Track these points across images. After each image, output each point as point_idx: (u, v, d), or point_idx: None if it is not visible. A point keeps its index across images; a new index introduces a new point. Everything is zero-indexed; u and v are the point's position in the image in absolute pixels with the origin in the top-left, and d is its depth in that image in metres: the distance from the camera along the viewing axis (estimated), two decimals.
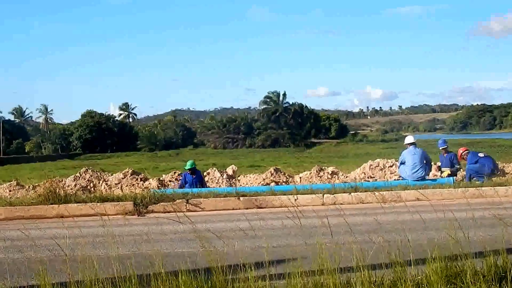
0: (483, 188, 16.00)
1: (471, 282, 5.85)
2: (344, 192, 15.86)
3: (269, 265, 6.27)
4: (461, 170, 20.39)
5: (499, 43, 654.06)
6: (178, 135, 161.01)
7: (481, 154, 19.55)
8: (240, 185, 21.42)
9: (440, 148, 20.94)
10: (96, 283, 6.14)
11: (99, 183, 22.87)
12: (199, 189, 17.41)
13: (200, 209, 15.17)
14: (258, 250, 7.59)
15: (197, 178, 19.54)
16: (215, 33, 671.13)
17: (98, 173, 24.21)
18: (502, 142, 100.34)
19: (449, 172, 19.69)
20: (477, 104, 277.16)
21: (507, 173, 21.47)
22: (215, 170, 23.62)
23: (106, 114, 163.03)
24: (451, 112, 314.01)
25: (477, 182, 17.67)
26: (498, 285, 5.94)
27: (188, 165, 19.79)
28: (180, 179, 20.80)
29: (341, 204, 14.99)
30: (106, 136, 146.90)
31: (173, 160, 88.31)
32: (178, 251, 9.29)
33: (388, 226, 9.61)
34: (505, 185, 16.30)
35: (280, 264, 7.00)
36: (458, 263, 6.29)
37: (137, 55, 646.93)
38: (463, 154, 20.09)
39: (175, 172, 23.82)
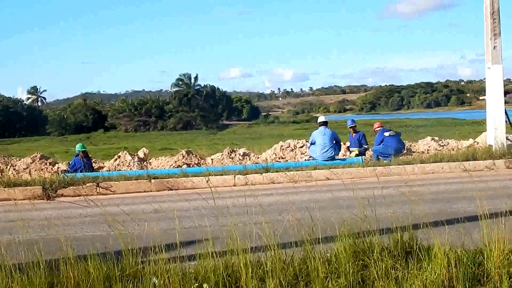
0: (391, 166, 16.36)
1: (378, 258, 5.96)
2: (255, 173, 15.96)
3: (180, 247, 6.23)
4: (369, 150, 20.80)
5: (410, 25, 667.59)
6: (89, 118, 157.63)
7: (387, 133, 19.91)
8: (152, 168, 21.30)
9: (348, 126, 21.37)
10: (3, 269, 5.98)
11: (6, 168, 22.28)
12: (110, 172, 17.18)
13: (111, 192, 15.02)
14: (170, 231, 7.53)
15: (88, 162, 19.36)
16: (127, 13, 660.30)
17: (5, 158, 23.59)
18: (410, 122, 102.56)
19: (357, 152, 20.10)
20: (386, 85, 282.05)
21: (413, 152, 22.04)
22: (126, 154, 23.36)
23: (14, 98, 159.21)
24: (360, 93, 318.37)
25: (384, 161, 18.06)
26: (404, 260, 6.07)
27: (79, 147, 19.54)
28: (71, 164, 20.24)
29: (253, 184, 15.09)
30: (14, 121, 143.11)
31: (84, 144, 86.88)
32: (88, 235, 9.15)
33: (299, 205, 9.71)
34: (412, 163, 16.74)
35: (191, 245, 6.98)
36: (366, 240, 6.40)
37: (45, 37, 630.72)
38: (376, 130, 20.48)
39: None
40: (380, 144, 19.55)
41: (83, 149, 19.51)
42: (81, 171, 17.82)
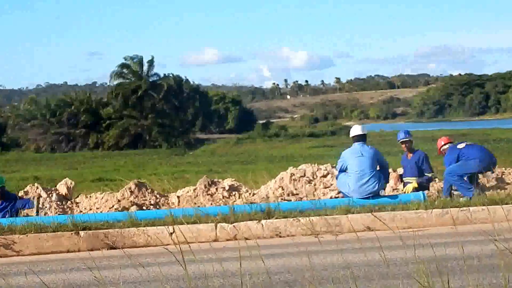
0: (471, 208, 16.22)
1: None
2: (250, 220, 15.93)
3: None
4: (436, 179, 20.61)
5: None
6: None
7: (461, 145, 19.49)
8: (80, 211, 21.25)
9: (399, 141, 20.96)
10: None
11: None
12: (10, 219, 17.06)
13: (15, 253, 15.00)
14: None
15: (9, 205, 18.95)
16: None
17: None
18: (500, 134, 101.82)
19: (416, 185, 19.81)
20: (460, 75, 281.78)
21: (507, 184, 21.79)
22: (38, 188, 23.32)
23: None
24: (419, 87, 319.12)
25: (462, 198, 17.85)
26: None
27: None
28: None
29: (246, 239, 15.03)
30: None
31: None
32: None
33: (323, 273, 9.71)
34: (506, 203, 16.50)
35: None
36: None
37: None
38: (443, 149, 20.11)
39: None
40: (456, 162, 18.97)
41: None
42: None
